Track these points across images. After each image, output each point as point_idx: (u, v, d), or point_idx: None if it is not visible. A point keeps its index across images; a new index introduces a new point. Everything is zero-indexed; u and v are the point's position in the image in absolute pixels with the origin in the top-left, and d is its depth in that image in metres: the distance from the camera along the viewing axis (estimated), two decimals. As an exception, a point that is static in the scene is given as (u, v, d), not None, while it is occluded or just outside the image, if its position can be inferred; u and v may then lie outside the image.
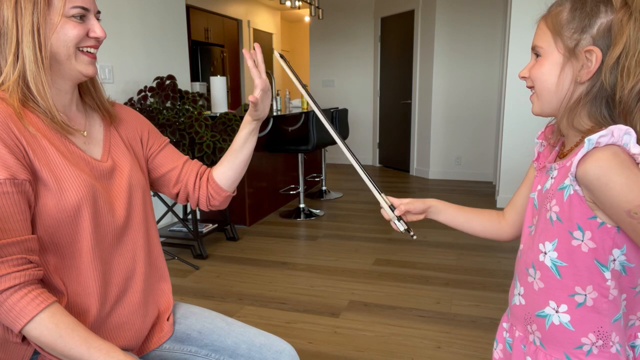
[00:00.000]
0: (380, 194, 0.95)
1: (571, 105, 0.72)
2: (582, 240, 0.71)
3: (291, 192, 4.33)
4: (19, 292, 0.75)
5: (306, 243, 3.33)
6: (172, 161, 1.11)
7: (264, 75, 1.01)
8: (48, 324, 0.76)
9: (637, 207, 0.63)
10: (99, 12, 0.90)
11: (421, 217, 0.99)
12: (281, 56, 1.02)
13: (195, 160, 1.16)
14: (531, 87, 0.78)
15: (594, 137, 0.65)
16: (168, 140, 1.15)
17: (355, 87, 6.56)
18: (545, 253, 0.76)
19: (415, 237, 0.95)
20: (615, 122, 0.69)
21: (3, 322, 0.76)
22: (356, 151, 6.66)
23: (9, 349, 0.86)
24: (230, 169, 1.11)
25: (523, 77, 0.79)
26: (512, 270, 2.83)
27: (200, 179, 1.12)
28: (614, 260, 0.70)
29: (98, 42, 0.90)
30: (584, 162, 0.66)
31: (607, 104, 0.70)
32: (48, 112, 0.84)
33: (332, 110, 4.45)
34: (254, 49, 1.02)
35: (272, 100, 4.12)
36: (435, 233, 3.38)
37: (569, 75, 0.72)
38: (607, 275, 0.71)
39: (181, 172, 1.11)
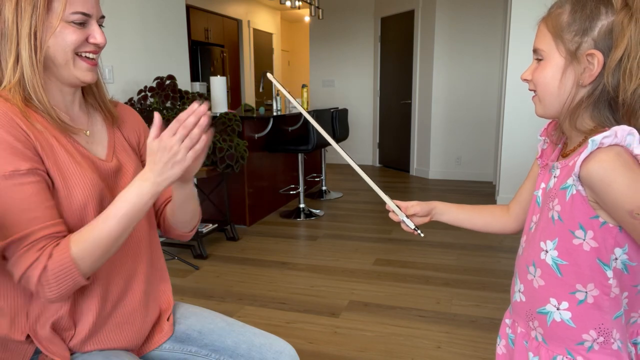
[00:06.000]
0: (388, 197, 0.96)
1: (573, 108, 0.72)
2: (584, 240, 0.71)
3: (291, 192, 4.33)
4: (48, 261, 0.76)
5: (306, 243, 3.33)
6: None
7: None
8: (81, 248, 0.78)
9: (639, 207, 0.63)
10: (102, 18, 0.89)
11: (427, 219, 1.00)
12: (267, 74, 1.01)
13: None
14: (533, 90, 0.78)
15: (597, 138, 0.65)
16: None
17: (355, 87, 6.56)
18: (547, 251, 0.76)
19: (422, 235, 0.97)
20: (618, 123, 0.68)
21: (70, 289, 0.79)
22: (356, 151, 6.66)
23: (9, 348, 0.86)
24: (172, 215, 1.04)
25: (525, 80, 0.79)
26: (512, 270, 2.83)
27: (166, 205, 1.07)
28: (616, 259, 0.71)
29: (98, 48, 0.88)
30: (588, 163, 0.66)
31: (609, 106, 0.69)
32: (47, 113, 0.84)
33: (332, 110, 4.44)
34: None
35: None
36: (435, 233, 3.38)
37: (571, 79, 0.72)
38: (609, 273, 0.71)
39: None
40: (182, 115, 0.79)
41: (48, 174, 0.81)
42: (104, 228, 0.79)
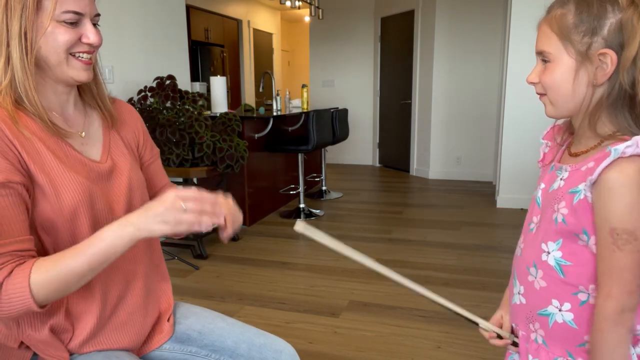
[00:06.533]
0: (480, 319, 0.86)
1: (592, 110, 0.72)
2: (587, 244, 0.71)
3: (291, 192, 4.33)
4: (5, 279, 0.73)
5: (306, 243, 3.33)
6: (154, 180, 1.08)
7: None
8: (42, 278, 0.74)
9: (623, 230, 0.65)
10: (97, 16, 0.86)
11: None
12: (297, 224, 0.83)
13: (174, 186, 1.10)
14: (541, 93, 0.77)
15: (620, 147, 0.65)
16: (158, 152, 1.12)
17: (355, 87, 6.56)
18: (549, 253, 0.76)
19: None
20: (637, 127, 0.69)
21: (20, 313, 0.74)
22: (356, 151, 6.66)
23: (8, 351, 0.86)
24: None
25: (532, 83, 0.78)
26: (512, 270, 2.84)
27: (163, 188, 1.07)
28: None
29: (92, 47, 0.85)
30: (608, 170, 0.67)
31: (628, 106, 0.70)
32: (38, 117, 0.82)
33: (332, 110, 4.44)
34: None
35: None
36: (435, 233, 3.38)
37: (584, 79, 0.71)
38: None
39: (157, 194, 1.04)
40: (207, 198, 0.77)
41: (35, 181, 0.79)
42: (71, 263, 0.75)
